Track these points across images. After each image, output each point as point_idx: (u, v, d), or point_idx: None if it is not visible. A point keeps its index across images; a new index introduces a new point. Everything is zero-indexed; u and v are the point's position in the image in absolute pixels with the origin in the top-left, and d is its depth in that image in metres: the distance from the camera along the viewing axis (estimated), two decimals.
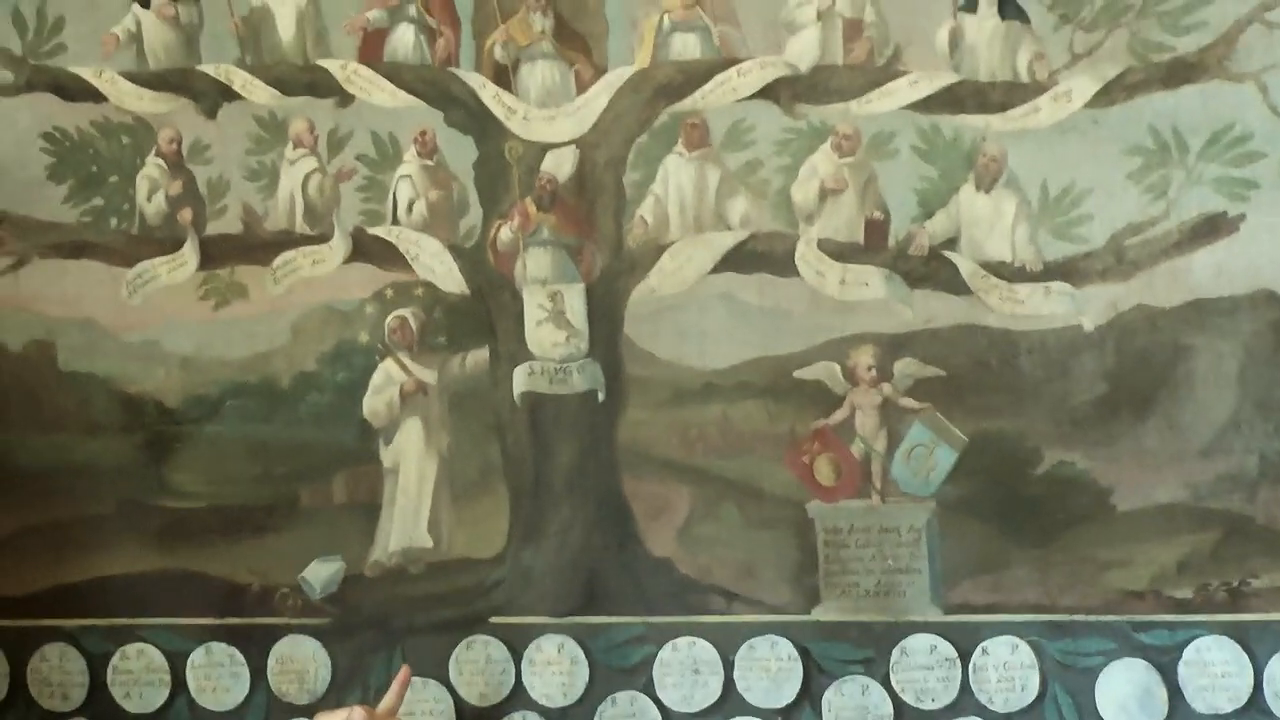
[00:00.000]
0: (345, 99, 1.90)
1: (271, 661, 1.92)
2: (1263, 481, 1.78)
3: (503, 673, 1.89)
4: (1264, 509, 1.78)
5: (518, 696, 1.90)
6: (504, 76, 1.88)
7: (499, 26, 1.88)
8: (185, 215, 1.92)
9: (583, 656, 1.89)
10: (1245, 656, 1.79)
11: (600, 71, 1.87)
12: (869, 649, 1.86)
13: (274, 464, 1.92)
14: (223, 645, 1.92)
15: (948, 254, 1.83)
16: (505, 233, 1.90)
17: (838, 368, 1.86)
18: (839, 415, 1.86)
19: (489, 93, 1.88)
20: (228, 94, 1.91)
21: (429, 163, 1.90)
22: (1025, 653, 1.83)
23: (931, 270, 1.84)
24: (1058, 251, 1.81)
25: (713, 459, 1.87)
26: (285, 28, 1.91)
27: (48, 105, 1.93)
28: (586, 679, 1.89)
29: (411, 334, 1.91)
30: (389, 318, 1.91)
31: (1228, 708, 1.80)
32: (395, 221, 1.91)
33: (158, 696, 1.93)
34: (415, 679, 1.89)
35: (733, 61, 1.85)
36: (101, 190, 1.93)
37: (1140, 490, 1.81)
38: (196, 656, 1.92)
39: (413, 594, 1.91)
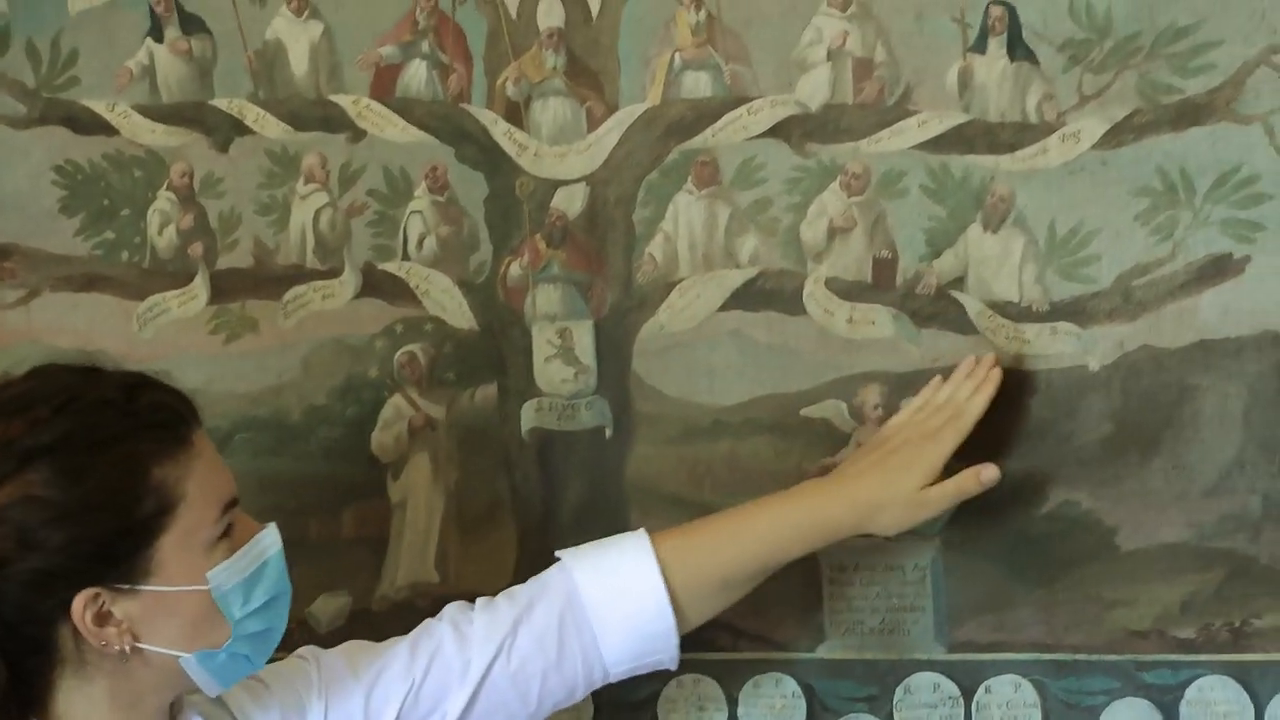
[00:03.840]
0: (357, 134, 1.90)
1: None
2: (1266, 522, 1.77)
3: None
4: (1267, 549, 1.77)
5: None
6: (516, 113, 1.88)
7: (511, 63, 1.88)
8: (196, 249, 1.92)
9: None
10: (1247, 696, 1.79)
11: (612, 109, 1.87)
12: (873, 686, 1.86)
13: (283, 497, 1.91)
14: None
15: (955, 293, 1.83)
16: (515, 269, 1.90)
17: (844, 406, 1.86)
18: (845, 453, 1.85)
19: (500, 129, 1.88)
20: (240, 128, 1.91)
21: (440, 198, 1.90)
22: (1028, 691, 1.84)
23: (939, 309, 1.84)
24: (1065, 291, 1.81)
25: (721, 495, 1.86)
26: (298, 63, 1.91)
27: (60, 138, 1.93)
28: (592, 714, 1.89)
29: (421, 369, 1.91)
30: (398, 353, 1.91)
31: None
32: (406, 257, 1.91)
33: None
34: None
35: (743, 100, 1.85)
36: (113, 224, 1.93)
37: (1145, 530, 1.81)
38: None
39: None
